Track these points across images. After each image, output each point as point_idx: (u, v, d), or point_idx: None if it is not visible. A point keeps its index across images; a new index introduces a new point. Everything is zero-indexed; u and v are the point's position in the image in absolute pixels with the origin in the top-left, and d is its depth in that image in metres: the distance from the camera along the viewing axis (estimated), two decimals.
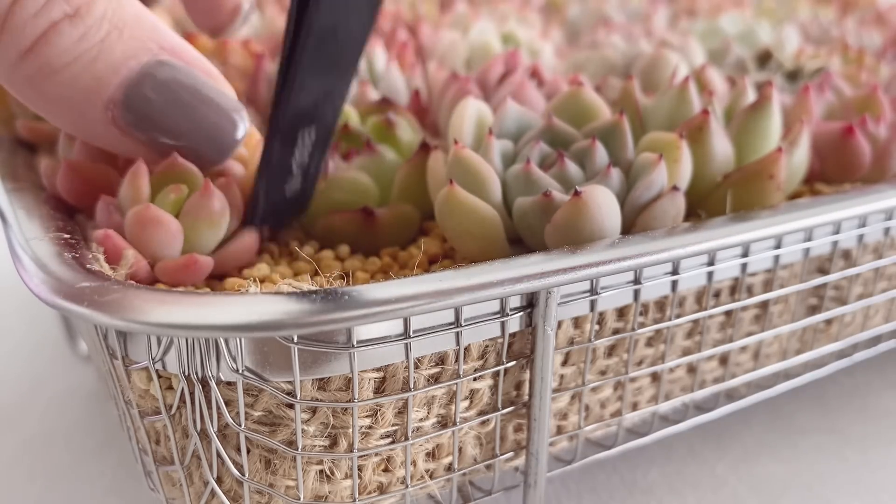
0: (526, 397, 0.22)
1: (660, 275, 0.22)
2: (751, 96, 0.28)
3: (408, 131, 0.26)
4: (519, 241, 0.23)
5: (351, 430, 0.19)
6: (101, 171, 0.22)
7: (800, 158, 0.26)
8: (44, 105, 0.20)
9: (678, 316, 0.24)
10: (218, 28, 0.28)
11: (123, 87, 0.19)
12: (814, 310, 0.28)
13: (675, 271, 0.22)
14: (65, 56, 0.19)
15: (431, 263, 0.23)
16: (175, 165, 0.21)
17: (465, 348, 0.20)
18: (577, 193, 0.20)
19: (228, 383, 0.18)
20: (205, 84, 0.21)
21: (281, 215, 0.23)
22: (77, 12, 0.19)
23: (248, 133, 0.22)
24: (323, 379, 0.18)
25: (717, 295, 0.24)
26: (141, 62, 0.20)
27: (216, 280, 0.22)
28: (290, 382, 0.18)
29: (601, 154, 0.23)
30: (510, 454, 0.22)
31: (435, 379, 0.20)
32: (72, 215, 0.23)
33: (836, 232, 0.25)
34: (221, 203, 0.21)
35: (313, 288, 0.17)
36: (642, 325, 0.23)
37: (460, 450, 0.22)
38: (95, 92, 0.19)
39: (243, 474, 0.19)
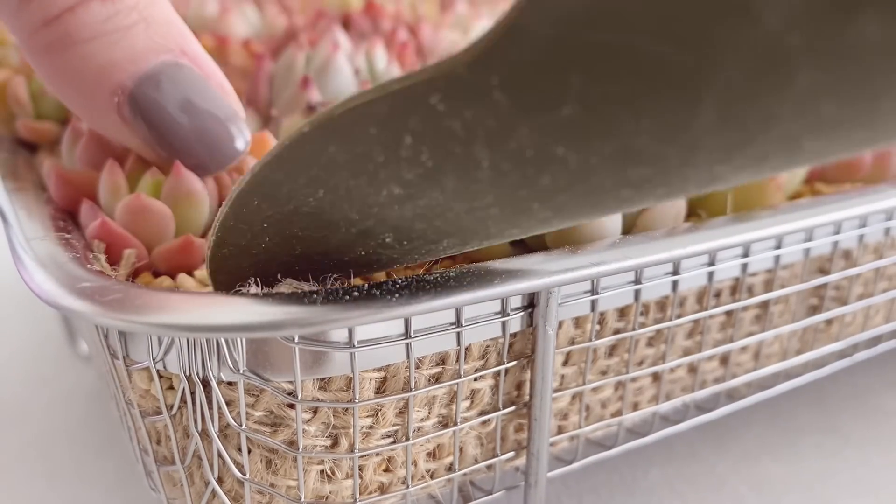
0: (527, 397, 0.22)
1: (660, 275, 0.22)
2: None
3: None
4: (520, 242, 0.22)
5: (352, 430, 0.19)
6: (91, 178, 0.23)
7: None
8: (55, 77, 0.20)
9: (679, 316, 0.24)
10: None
11: (136, 77, 0.20)
12: (814, 310, 0.28)
13: (675, 271, 0.22)
14: (87, 31, 0.19)
15: (433, 263, 0.23)
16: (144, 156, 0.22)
17: (466, 348, 0.20)
18: None
19: (229, 383, 0.18)
20: (215, 97, 0.21)
21: None
22: None
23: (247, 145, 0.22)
24: (324, 379, 0.18)
25: (717, 295, 0.24)
26: (159, 59, 0.20)
27: None
28: (291, 382, 0.18)
29: None
30: (511, 454, 0.22)
31: (436, 379, 0.20)
32: (72, 216, 0.23)
33: (837, 232, 0.25)
34: (198, 182, 0.21)
35: (314, 288, 0.17)
36: (643, 325, 0.23)
37: (461, 450, 0.22)
38: (108, 75, 0.20)
39: (244, 474, 0.19)
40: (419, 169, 0.14)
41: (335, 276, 0.18)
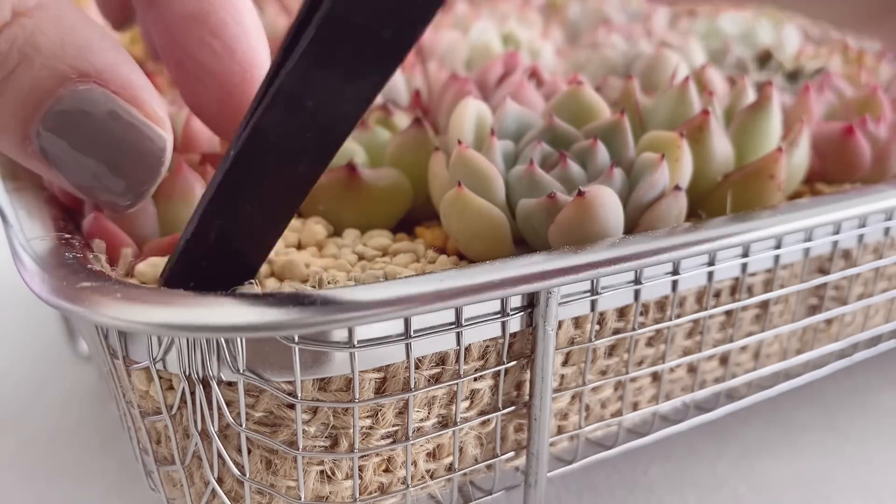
0: (526, 397, 0.22)
1: (660, 275, 0.22)
2: (751, 96, 0.28)
3: (406, 120, 0.27)
4: (522, 242, 0.23)
5: (352, 430, 0.19)
6: None
7: (800, 158, 0.26)
8: None
9: (678, 316, 0.24)
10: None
11: (34, 124, 0.17)
12: (814, 310, 0.28)
13: (675, 271, 0.22)
14: None
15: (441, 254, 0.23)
16: None
17: (466, 348, 0.20)
18: (580, 194, 0.20)
19: (229, 383, 0.18)
20: (126, 112, 0.18)
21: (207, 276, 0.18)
22: None
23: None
24: (324, 379, 0.18)
25: (717, 295, 0.24)
26: (53, 97, 0.17)
27: None
28: (290, 383, 0.18)
29: (603, 154, 0.23)
30: (511, 454, 0.22)
31: (435, 379, 0.20)
32: (72, 215, 0.23)
33: (837, 232, 0.25)
34: (195, 180, 0.22)
35: (314, 288, 0.17)
36: (643, 324, 0.23)
37: (461, 450, 0.22)
38: (9, 128, 0.18)
39: (244, 474, 0.19)
40: None
41: None
